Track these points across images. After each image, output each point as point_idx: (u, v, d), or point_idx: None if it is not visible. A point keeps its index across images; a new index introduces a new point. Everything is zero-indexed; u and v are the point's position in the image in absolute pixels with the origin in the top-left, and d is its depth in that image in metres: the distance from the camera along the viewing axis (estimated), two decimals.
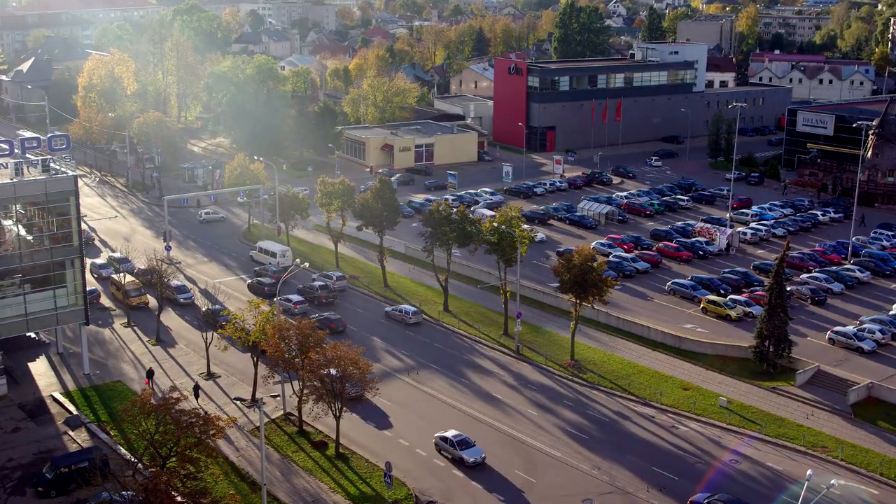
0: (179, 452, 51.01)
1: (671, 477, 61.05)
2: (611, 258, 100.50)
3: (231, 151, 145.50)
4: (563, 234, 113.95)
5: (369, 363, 62.85)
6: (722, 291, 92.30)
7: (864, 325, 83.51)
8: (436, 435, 64.63)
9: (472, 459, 61.91)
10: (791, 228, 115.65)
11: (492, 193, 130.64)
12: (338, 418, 62.15)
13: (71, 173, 72.49)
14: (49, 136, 77.87)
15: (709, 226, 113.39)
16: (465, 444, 62.99)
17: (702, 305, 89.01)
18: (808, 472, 52.97)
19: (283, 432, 66.22)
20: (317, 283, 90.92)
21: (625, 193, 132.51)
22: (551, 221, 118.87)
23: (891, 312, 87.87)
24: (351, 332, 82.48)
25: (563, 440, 65.99)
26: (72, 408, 68.72)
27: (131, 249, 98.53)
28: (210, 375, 74.61)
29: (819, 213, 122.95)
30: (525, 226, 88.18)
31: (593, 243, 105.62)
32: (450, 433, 64.10)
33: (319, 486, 59.53)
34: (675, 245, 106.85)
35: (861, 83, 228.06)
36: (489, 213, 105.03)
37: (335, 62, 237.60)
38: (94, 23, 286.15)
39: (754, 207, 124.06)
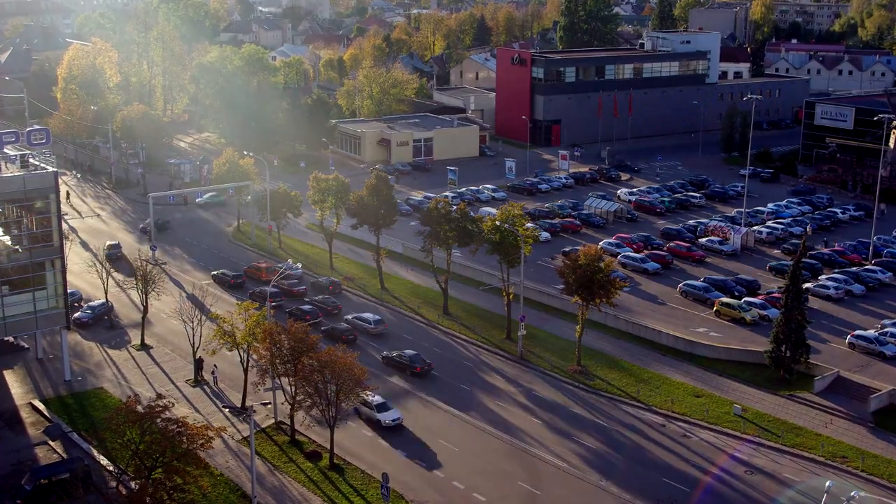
0: (166, 463, 51.02)
1: (682, 489, 61.07)
2: (619, 259, 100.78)
3: (219, 146, 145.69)
4: (569, 234, 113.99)
5: (365, 369, 62.86)
6: (736, 293, 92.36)
7: (885, 329, 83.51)
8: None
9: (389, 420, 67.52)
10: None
11: (494, 190, 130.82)
12: (332, 427, 62.17)
13: (51, 169, 72.51)
14: (28, 130, 77.88)
15: (722, 224, 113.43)
16: (383, 407, 68.39)
17: (715, 308, 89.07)
18: (828, 483, 53.08)
19: (273, 442, 66.21)
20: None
21: (633, 190, 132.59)
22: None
23: None
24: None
25: (569, 450, 65.99)
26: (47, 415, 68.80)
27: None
28: (198, 382, 74.62)
29: (839, 210, 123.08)
30: (529, 224, 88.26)
31: (601, 242, 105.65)
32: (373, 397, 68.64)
33: (312, 498, 59.53)
34: (687, 244, 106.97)
35: (882, 74, 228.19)
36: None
37: (329, 52, 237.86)
38: (74, 11, 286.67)
39: (770, 205, 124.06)
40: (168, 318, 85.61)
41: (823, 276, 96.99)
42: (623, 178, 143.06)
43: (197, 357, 74.52)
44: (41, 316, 72.33)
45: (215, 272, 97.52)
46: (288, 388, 64.17)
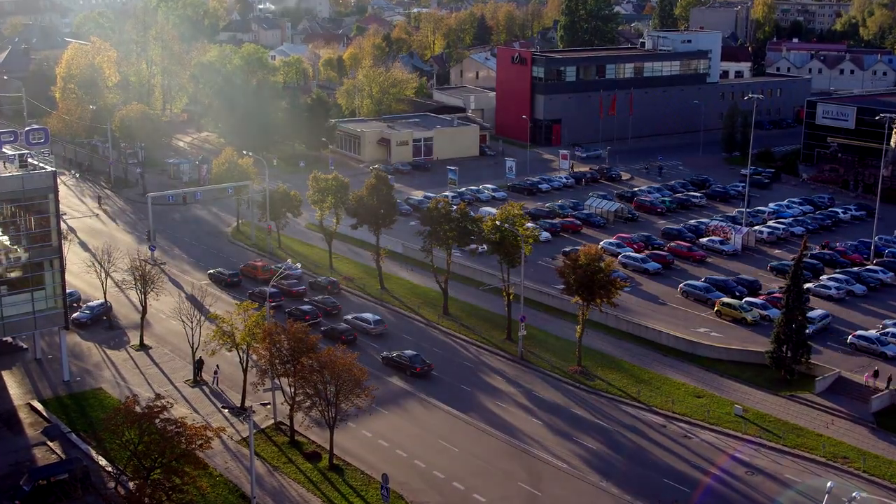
0: (164, 464, 51.07)
1: (683, 490, 61.10)
2: (620, 259, 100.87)
3: (219, 146, 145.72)
4: (570, 233, 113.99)
5: (365, 369, 62.87)
6: (737, 294, 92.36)
7: (887, 329, 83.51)
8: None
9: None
10: (811, 227, 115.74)
11: (494, 190, 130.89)
12: (332, 428, 62.19)
13: (49, 169, 72.51)
14: (26, 129, 77.89)
15: (723, 224, 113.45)
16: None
17: (716, 308, 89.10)
18: (829, 484, 53.10)
19: (273, 443, 66.23)
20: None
21: (635, 189, 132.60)
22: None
23: None
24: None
25: (569, 451, 66.01)
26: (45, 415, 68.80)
27: (114, 249, 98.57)
28: (196, 382, 74.64)
29: (840, 210, 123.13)
30: (529, 224, 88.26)
31: (602, 242, 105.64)
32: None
33: (311, 499, 59.55)
34: (688, 244, 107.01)
35: (884, 73, 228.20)
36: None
37: (328, 51, 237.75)
38: (73, 10, 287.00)
39: (771, 205, 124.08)
40: (167, 318, 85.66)
41: (825, 277, 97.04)
42: (624, 177, 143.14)
43: (197, 357, 74.57)
44: (40, 316, 72.32)
45: (211, 271, 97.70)
46: (287, 388, 64.24)
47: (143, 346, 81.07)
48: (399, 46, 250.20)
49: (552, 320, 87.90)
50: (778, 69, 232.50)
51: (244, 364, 69.36)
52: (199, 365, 74.91)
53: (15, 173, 71.00)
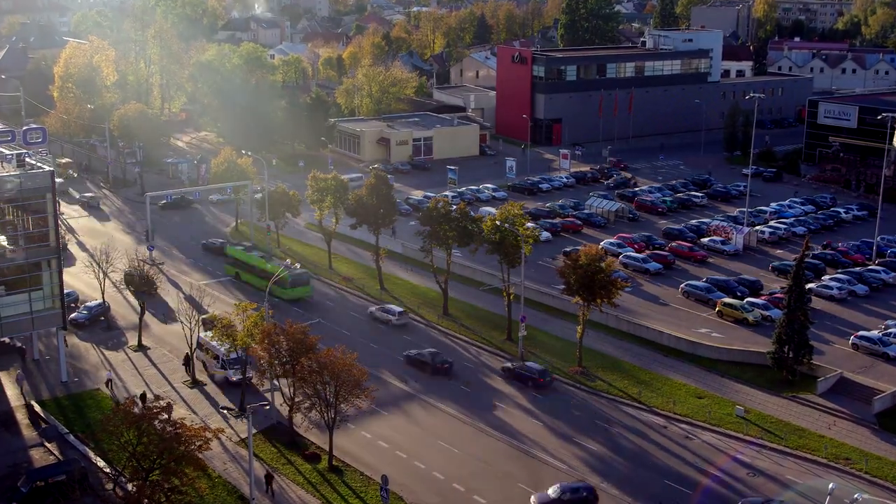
0: (163, 465, 51.01)
1: (684, 490, 61.08)
2: (620, 259, 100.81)
3: (217, 145, 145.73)
4: (570, 233, 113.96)
5: (364, 370, 62.82)
6: (738, 294, 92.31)
7: (889, 330, 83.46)
8: None
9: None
10: (812, 227, 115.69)
11: (494, 189, 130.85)
12: (331, 429, 62.14)
13: (47, 169, 72.44)
14: (24, 128, 77.79)
15: (724, 224, 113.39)
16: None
17: (717, 309, 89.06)
18: (831, 485, 53.10)
19: (272, 444, 66.18)
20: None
21: (636, 189, 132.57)
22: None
23: None
24: (345, 336, 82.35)
25: (570, 452, 65.96)
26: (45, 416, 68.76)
27: (112, 249, 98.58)
28: (195, 383, 74.61)
29: (842, 210, 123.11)
30: (529, 224, 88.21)
31: (602, 242, 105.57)
32: None
33: (311, 501, 59.51)
34: (689, 244, 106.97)
35: (886, 72, 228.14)
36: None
37: (328, 50, 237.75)
38: (71, 9, 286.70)
39: (773, 205, 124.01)
40: (165, 318, 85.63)
41: (826, 277, 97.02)
42: (626, 176, 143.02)
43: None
44: (37, 317, 72.22)
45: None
46: (286, 389, 64.20)
47: (141, 347, 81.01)
48: (399, 45, 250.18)
49: (552, 321, 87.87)
50: (779, 68, 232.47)
51: (243, 365, 69.31)
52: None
53: (13, 173, 70.91)
